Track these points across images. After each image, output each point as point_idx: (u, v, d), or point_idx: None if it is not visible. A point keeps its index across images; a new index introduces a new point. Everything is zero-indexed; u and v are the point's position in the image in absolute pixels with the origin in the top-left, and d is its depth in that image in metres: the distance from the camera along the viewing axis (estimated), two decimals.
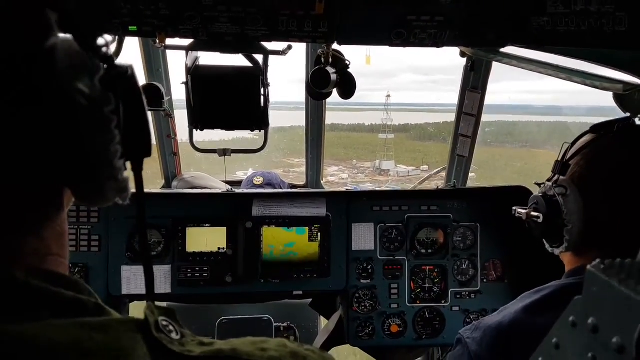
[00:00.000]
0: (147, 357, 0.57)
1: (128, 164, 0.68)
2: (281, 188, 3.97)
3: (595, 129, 1.53)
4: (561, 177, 1.47)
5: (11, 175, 0.56)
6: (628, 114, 1.52)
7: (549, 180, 1.53)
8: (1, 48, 0.53)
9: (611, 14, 1.83)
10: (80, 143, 0.59)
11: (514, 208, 1.64)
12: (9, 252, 0.57)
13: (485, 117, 3.19)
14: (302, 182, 4.21)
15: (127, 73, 0.64)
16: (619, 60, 2.05)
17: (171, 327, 0.65)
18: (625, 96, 1.98)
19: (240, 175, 5.02)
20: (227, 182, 3.90)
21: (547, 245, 1.55)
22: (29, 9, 0.56)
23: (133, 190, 0.70)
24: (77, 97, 0.58)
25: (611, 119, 1.52)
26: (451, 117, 3.40)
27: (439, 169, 3.79)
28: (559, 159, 1.51)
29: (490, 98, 3.10)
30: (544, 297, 1.44)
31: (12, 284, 0.53)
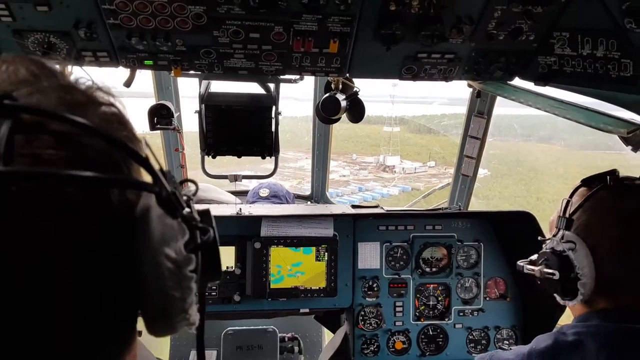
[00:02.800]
0: None
1: None
2: (287, 199, 4.03)
3: (586, 182, 1.59)
4: (567, 232, 1.53)
5: (100, 313, 0.66)
6: (614, 168, 1.58)
7: (554, 235, 1.59)
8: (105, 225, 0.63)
9: (617, 59, 1.90)
10: (161, 295, 0.67)
11: (520, 264, 1.70)
12: None
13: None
14: (298, 180, 4.24)
15: (210, 238, 0.72)
16: (622, 100, 2.12)
17: None
18: (630, 137, 2.04)
19: (245, 183, 5.07)
20: (234, 193, 3.96)
21: (558, 298, 1.61)
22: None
23: None
24: (164, 261, 0.65)
25: (599, 172, 1.59)
26: (447, 110, 3.44)
27: (443, 184, 3.85)
28: (561, 214, 1.57)
29: None
30: (557, 344, 1.51)
31: None
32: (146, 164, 0.66)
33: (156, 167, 0.67)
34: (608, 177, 1.55)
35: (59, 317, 0.61)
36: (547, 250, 1.58)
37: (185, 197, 0.72)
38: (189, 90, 2.70)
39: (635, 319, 1.47)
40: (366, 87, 2.73)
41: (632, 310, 1.49)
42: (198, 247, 0.70)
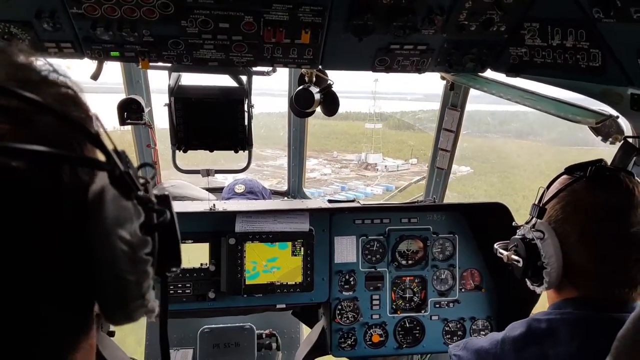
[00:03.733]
0: None
1: None
2: (263, 195, 3.98)
3: (569, 170, 1.60)
4: (539, 221, 1.55)
5: (53, 303, 0.63)
6: (600, 158, 1.60)
7: (527, 223, 1.60)
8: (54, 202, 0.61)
9: (586, 50, 1.92)
10: (116, 280, 0.65)
11: (495, 247, 1.71)
12: None
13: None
14: (277, 179, 4.22)
15: (165, 220, 0.70)
16: (591, 90, 2.15)
17: None
18: (599, 128, 2.07)
19: (220, 179, 5.00)
20: (208, 189, 3.89)
21: (528, 284, 1.63)
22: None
23: None
24: (118, 243, 0.63)
25: (584, 161, 1.60)
26: (421, 106, 3.46)
27: (418, 178, 3.86)
28: (536, 202, 1.58)
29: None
30: (531, 331, 1.52)
31: None
32: (98, 141, 0.63)
33: (110, 146, 0.64)
34: (590, 167, 1.56)
35: (2, 302, 0.58)
36: (518, 237, 1.60)
37: (142, 180, 0.70)
38: (161, 85, 2.63)
39: (607, 308, 1.49)
40: (345, 83, 2.71)
41: (604, 299, 1.51)
42: (154, 229, 0.68)
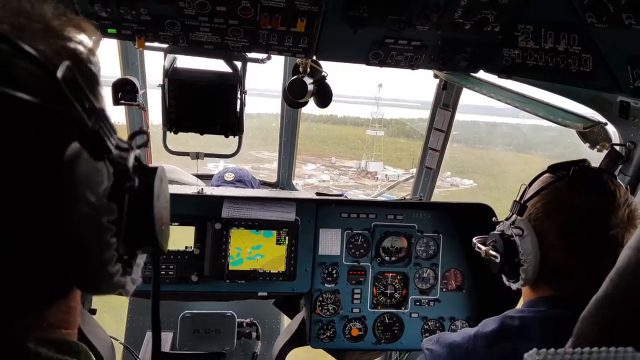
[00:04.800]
0: None
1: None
2: (252, 185, 3.99)
3: (552, 169, 1.62)
4: (519, 218, 1.56)
5: (21, 268, 0.64)
6: (583, 158, 1.61)
7: (507, 219, 1.62)
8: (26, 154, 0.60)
9: (577, 54, 1.94)
10: (78, 246, 0.63)
11: (474, 241, 1.73)
12: (23, 329, 0.67)
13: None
14: (274, 179, 4.25)
15: (133, 187, 0.68)
16: (581, 96, 2.17)
17: None
18: (585, 132, 2.10)
19: (211, 167, 5.00)
20: (198, 176, 3.89)
21: (504, 279, 1.65)
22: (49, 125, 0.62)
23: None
24: (83, 205, 0.62)
25: (568, 160, 1.61)
26: (419, 114, 3.47)
27: (408, 176, 3.89)
28: (517, 199, 1.60)
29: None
30: (503, 327, 1.54)
31: (25, 352, 0.65)
32: (71, 94, 0.61)
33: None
34: (573, 167, 1.57)
35: None
36: (497, 233, 1.61)
37: (124, 145, 0.68)
38: (157, 75, 2.63)
39: (581, 307, 1.51)
40: (344, 87, 2.71)
41: (579, 299, 1.53)
42: (119, 195, 0.65)
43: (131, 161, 0.69)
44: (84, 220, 0.62)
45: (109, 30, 2.14)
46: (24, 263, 0.64)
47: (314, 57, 2.33)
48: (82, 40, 0.69)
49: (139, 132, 0.72)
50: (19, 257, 0.63)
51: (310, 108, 3.56)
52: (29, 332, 0.67)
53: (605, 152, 2.22)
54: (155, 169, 0.72)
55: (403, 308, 3.09)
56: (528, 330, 1.50)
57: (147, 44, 2.24)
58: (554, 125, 2.29)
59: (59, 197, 0.62)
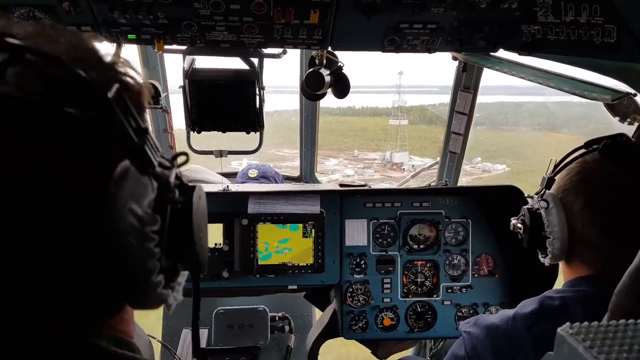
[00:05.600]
0: None
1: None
2: (276, 180, 4.02)
3: (588, 144, 1.58)
4: (547, 191, 1.54)
5: (74, 276, 0.70)
6: (620, 132, 1.57)
7: (537, 193, 1.59)
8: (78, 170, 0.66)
9: (600, 25, 1.87)
10: (124, 255, 0.68)
11: (511, 219, 1.71)
12: (86, 330, 0.75)
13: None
14: (297, 174, 4.27)
15: (174, 200, 0.74)
16: (607, 68, 2.10)
17: None
18: (614, 104, 2.03)
19: (235, 165, 5.06)
20: (223, 174, 3.95)
21: (539, 256, 1.62)
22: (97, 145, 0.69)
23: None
24: (129, 215, 0.67)
25: (604, 135, 1.57)
26: (442, 99, 3.42)
27: (432, 162, 3.85)
28: (547, 173, 1.57)
29: None
30: (543, 307, 1.51)
31: (87, 345, 0.73)
32: (121, 114, 0.67)
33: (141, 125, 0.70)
34: (605, 140, 1.53)
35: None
36: (526, 207, 1.59)
37: (167, 161, 0.75)
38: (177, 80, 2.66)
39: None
40: (360, 78, 2.70)
41: (619, 277, 1.49)
42: (163, 207, 0.71)
43: (172, 178, 0.75)
44: (129, 229, 0.67)
45: (129, 36, 2.19)
46: (76, 271, 0.69)
47: (329, 48, 2.33)
48: (130, 72, 0.77)
49: (181, 154, 0.78)
50: (70, 266, 0.68)
51: (327, 101, 3.58)
52: (91, 331, 0.75)
53: (636, 124, 2.15)
54: (194, 187, 0.78)
55: (435, 296, 3.06)
56: (569, 310, 1.47)
57: (166, 46, 2.28)
58: (582, 100, 2.23)
59: (108, 208, 0.67)
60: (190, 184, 0.77)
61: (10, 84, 0.62)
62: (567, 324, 0.66)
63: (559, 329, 0.66)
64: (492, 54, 2.38)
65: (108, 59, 0.75)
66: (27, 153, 0.62)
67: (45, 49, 0.65)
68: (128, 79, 0.76)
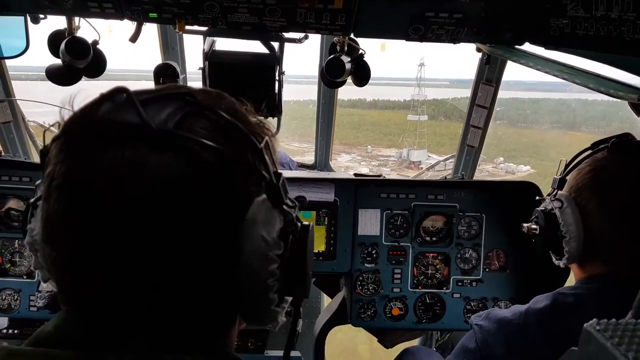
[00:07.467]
0: None
1: None
2: (290, 167, 4.03)
3: (594, 145, 1.58)
4: (559, 192, 1.53)
5: (211, 302, 0.85)
6: (625, 132, 1.56)
7: (549, 195, 1.58)
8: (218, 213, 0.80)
9: (632, 21, 1.83)
10: (251, 273, 0.82)
11: (523, 225, 1.69)
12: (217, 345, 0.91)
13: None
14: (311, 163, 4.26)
15: (296, 231, 0.88)
16: (636, 66, 2.05)
17: None
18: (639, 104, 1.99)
19: None
20: None
21: (553, 259, 1.61)
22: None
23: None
24: (259, 240, 0.82)
25: (611, 136, 1.57)
26: (453, 93, 3.38)
27: (448, 156, 3.81)
28: (558, 174, 1.56)
29: None
30: (556, 304, 1.50)
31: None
32: (267, 164, 0.85)
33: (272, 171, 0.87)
34: (614, 139, 1.53)
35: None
36: (539, 209, 1.58)
37: (291, 203, 0.91)
38: (195, 53, 2.64)
39: (632, 284, 1.45)
40: (375, 70, 2.66)
41: (635, 274, 1.47)
42: (287, 234, 0.86)
43: (295, 214, 0.91)
44: (258, 251, 0.82)
45: (150, 15, 2.18)
46: (219, 284, 0.83)
47: (352, 35, 2.30)
48: (268, 128, 0.98)
49: (301, 198, 0.96)
50: (215, 279, 0.82)
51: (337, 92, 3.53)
52: (225, 343, 0.93)
53: None
54: (309, 225, 0.93)
55: (445, 288, 3.06)
56: (584, 308, 1.46)
57: (187, 27, 2.26)
58: (605, 98, 2.19)
59: (244, 234, 0.81)
60: (307, 224, 0.93)
61: (194, 131, 0.78)
62: (594, 320, 0.65)
63: (585, 325, 0.65)
64: (517, 47, 2.34)
65: (253, 119, 0.94)
66: (206, 186, 0.77)
67: (214, 108, 0.83)
68: (268, 133, 0.95)
